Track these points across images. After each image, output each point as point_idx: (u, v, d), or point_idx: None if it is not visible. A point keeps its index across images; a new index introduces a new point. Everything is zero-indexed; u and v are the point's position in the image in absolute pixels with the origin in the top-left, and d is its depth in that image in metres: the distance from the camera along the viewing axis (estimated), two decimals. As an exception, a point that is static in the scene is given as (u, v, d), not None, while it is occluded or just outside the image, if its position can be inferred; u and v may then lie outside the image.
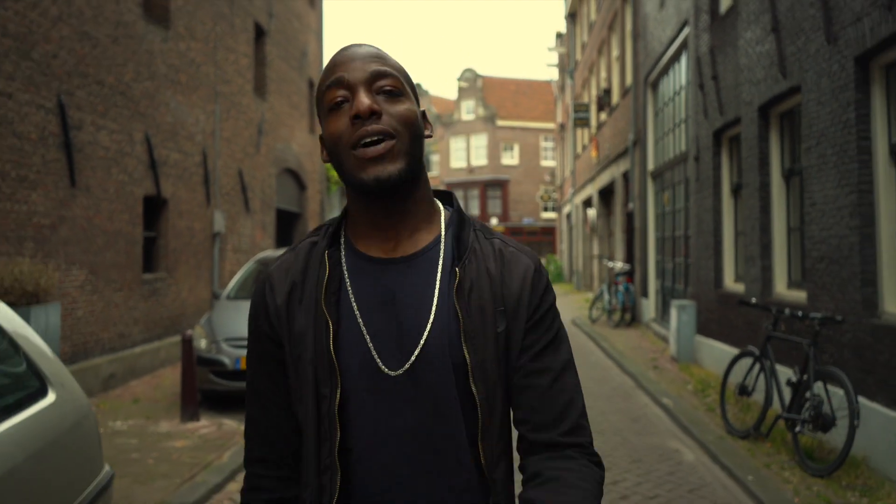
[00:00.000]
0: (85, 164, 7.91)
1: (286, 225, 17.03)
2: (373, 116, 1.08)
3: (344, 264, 1.17)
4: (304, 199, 17.74)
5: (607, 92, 19.01)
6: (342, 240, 1.21)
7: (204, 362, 7.48)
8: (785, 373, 6.36)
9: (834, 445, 5.54)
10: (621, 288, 14.99)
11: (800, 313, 5.92)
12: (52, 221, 7.32)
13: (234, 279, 9.25)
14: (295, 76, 16.72)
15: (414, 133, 1.12)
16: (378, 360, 1.11)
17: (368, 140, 1.07)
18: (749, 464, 5.64)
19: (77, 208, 7.77)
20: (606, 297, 15.89)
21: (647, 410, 7.81)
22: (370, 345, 1.12)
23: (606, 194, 20.85)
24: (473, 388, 1.12)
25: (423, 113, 1.20)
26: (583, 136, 25.81)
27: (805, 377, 5.56)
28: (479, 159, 46.91)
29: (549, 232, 44.79)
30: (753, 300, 6.83)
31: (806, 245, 6.56)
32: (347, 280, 1.16)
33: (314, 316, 1.13)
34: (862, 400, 5.38)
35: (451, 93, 73.06)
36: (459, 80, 48.15)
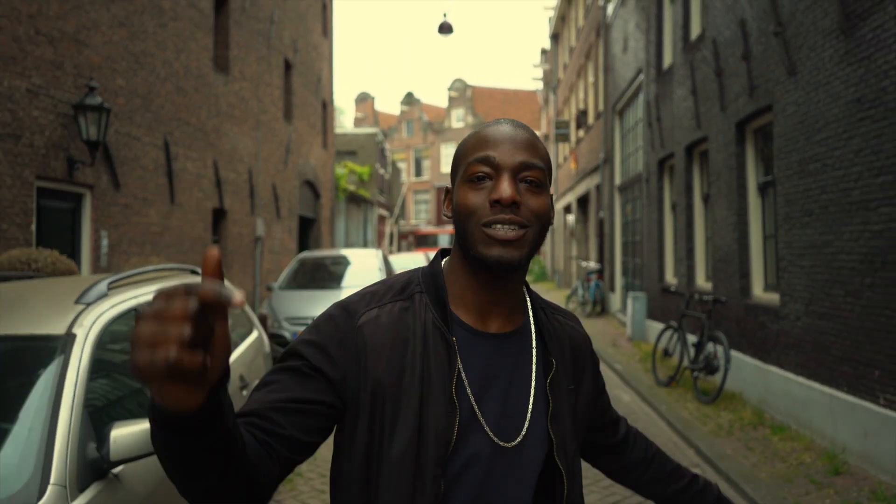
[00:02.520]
0: (179, 186, 10.43)
1: (305, 229, 19.56)
2: (512, 205, 1.11)
3: (456, 340, 1.17)
4: (319, 207, 20.27)
5: (584, 113, 21.65)
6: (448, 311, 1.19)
7: (270, 336, 10.03)
8: (692, 339, 8.99)
9: (718, 384, 8.17)
10: (592, 284, 17.65)
11: (703, 297, 8.56)
12: (160, 230, 9.83)
13: (283, 274, 11.80)
14: (312, 100, 19.26)
15: (544, 226, 1.16)
16: (492, 435, 1.15)
17: (502, 225, 1.11)
18: (665, 400, 8.26)
19: (174, 220, 10.28)
20: (580, 291, 18.54)
21: (603, 373, 10.43)
22: (482, 421, 1.15)
23: (583, 202, 23.49)
24: (559, 463, 1.19)
25: (552, 199, 1.21)
26: (564, 148, 28.46)
27: (702, 339, 8.18)
28: (468, 165, 49.48)
29: (534, 234, 47.46)
30: (672, 288, 9.49)
31: (712, 249, 9.21)
32: (460, 357, 1.16)
33: (439, 400, 1.13)
34: (737, 354, 8.03)
35: (441, 101, 75.34)
36: (450, 89, 50.79)
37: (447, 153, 50.48)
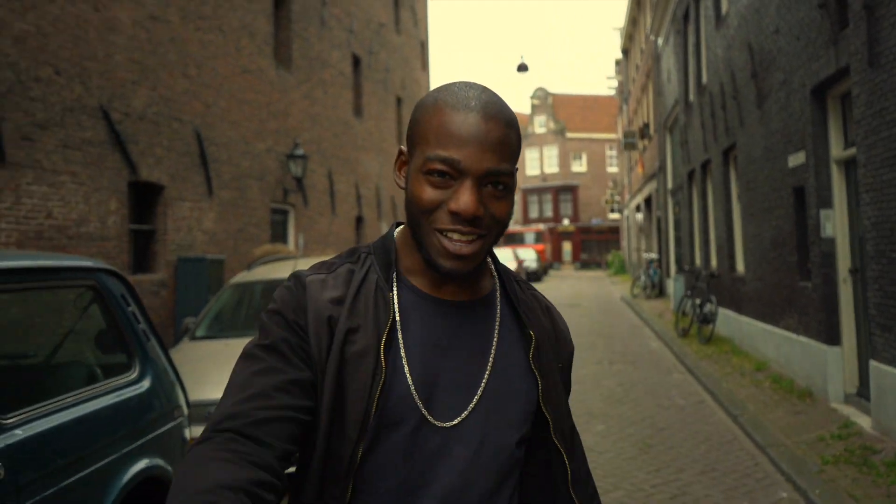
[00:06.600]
0: (337, 202, 14.88)
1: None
2: (473, 219, 1.01)
3: (397, 302, 1.08)
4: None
5: (646, 125, 25.13)
6: (394, 272, 1.11)
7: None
8: (698, 302, 12.68)
9: (710, 331, 11.82)
10: (651, 271, 21.27)
11: (704, 272, 12.24)
12: (327, 233, 14.27)
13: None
14: (416, 125, 23.70)
15: (503, 228, 1.07)
16: (424, 411, 1.04)
17: (459, 236, 1.02)
18: (678, 344, 12.00)
19: (334, 226, 14.73)
20: (643, 278, 22.15)
21: (643, 331, 14.22)
22: (416, 396, 1.04)
23: (648, 203, 26.95)
24: (557, 443, 1.12)
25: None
26: (634, 154, 31.85)
27: (703, 302, 11.88)
28: (552, 168, 53.22)
29: (615, 231, 50.62)
30: (686, 267, 13.16)
31: (716, 241, 12.86)
32: (399, 321, 1.07)
33: (366, 359, 1.03)
34: (726, 310, 11.70)
35: (525, 108, 79.04)
36: (532, 97, 54.53)
37: (531, 157, 54.22)
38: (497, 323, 1.13)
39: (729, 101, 11.00)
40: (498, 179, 1.02)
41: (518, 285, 1.21)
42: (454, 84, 1.08)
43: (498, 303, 1.16)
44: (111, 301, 3.23)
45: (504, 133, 1.03)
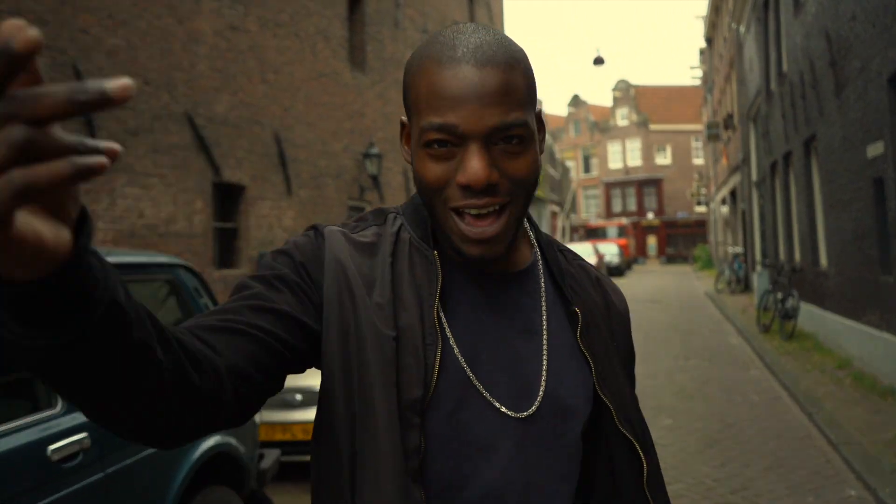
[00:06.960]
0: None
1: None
2: (488, 187, 0.85)
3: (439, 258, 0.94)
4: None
5: (730, 116, 24.39)
6: (430, 229, 0.96)
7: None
8: (780, 296, 12.32)
9: (793, 326, 11.47)
10: (735, 265, 20.68)
11: (787, 266, 11.88)
12: (402, 230, 14.64)
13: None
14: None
15: (531, 190, 0.90)
16: (485, 392, 0.91)
17: (477, 212, 0.87)
18: (759, 339, 11.71)
19: (410, 222, 15.09)
20: (727, 272, 21.55)
21: (723, 327, 13.92)
22: (471, 375, 0.91)
23: (734, 195, 26.16)
24: (624, 430, 0.96)
25: (539, 114, 0.93)
26: (720, 145, 30.93)
27: (785, 296, 11.54)
28: (635, 160, 52.23)
29: (701, 224, 49.25)
30: (767, 261, 12.79)
31: (799, 235, 12.44)
32: (442, 283, 0.93)
33: (411, 328, 0.89)
34: (809, 305, 11.33)
35: (606, 100, 77.86)
36: (614, 90, 53.66)
37: (614, 150, 53.40)
38: (543, 298, 0.99)
39: (808, 91, 10.64)
40: (510, 133, 0.85)
41: (563, 255, 1.07)
42: (442, 32, 0.91)
43: (541, 275, 1.01)
44: (186, 293, 3.54)
45: (504, 79, 0.85)
